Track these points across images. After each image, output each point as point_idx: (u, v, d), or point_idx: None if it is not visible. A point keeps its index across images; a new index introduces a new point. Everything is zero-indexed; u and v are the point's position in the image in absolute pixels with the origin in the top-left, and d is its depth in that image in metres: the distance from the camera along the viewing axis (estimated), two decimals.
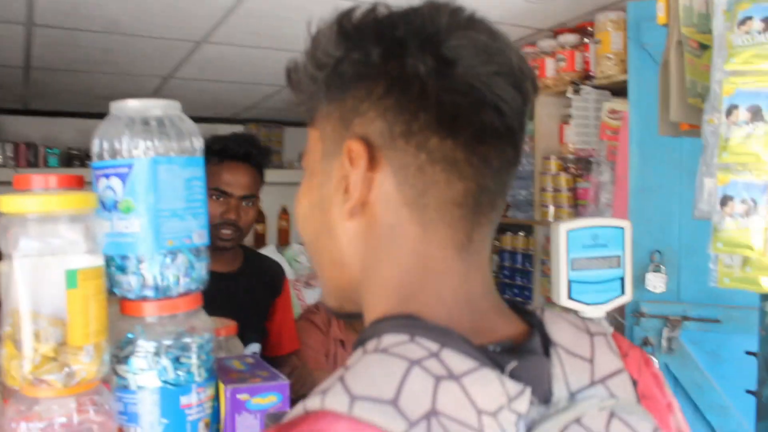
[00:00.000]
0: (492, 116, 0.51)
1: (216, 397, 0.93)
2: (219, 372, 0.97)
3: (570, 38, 2.62)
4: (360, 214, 0.54)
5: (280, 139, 4.91)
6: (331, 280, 0.59)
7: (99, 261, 0.82)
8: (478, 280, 0.54)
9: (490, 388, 0.45)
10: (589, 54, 2.58)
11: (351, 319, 0.55)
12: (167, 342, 0.88)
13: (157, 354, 0.87)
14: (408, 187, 0.52)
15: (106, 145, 0.86)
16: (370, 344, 0.49)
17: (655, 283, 1.95)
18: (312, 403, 0.46)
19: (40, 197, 0.79)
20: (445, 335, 0.48)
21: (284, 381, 0.94)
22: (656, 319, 2.00)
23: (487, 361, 0.47)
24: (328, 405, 0.44)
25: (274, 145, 4.86)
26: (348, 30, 0.54)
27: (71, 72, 3.06)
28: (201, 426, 0.89)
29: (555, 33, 2.76)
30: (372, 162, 0.53)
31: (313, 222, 0.58)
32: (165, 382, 0.87)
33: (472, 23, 0.53)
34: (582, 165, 2.63)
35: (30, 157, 3.81)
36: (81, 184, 0.95)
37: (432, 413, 0.43)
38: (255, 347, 1.80)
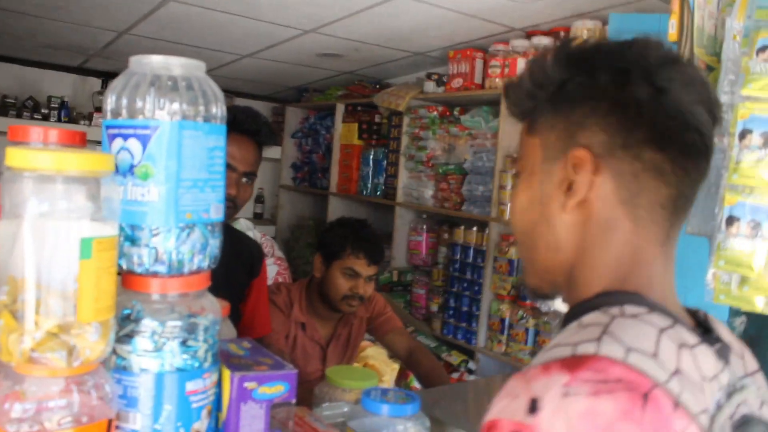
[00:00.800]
0: (694, 137, 0.63)
1: (218, 384, 0.87)
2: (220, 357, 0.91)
3: (544, 40, 2.64)
4: (579, 209, 0.65)
5: None
6: (543, 262, 0.70)
7: (115, 230, 0.75)
8: (672, 273, 0.66)
9: (709, 360, 0.58)
10: None
11: (542, 299, 0.73)
12: (175, 323, 0.81)
13: (163, 335, 0.80)
14: (624, 190, 0.63)
15: (125, 102, 0.78)
16: (613, 310, 0.60)
17: None
18: (585, 348, 0.55)
19: (54, 154, 0.71)
20: (674, 315, 0.60)
21: (292, 370, 0.89)
22: None
23: (705, 340, 0.60)
24: (605, 352, 0.54)
25: None
26: (573, 57, 0.66)
27: (16, 14, 2.83)
28: (204, 413, 0.83)
29: (528, 34, 2.78)
30: (594, 167, 0.63)
31: (532, 213, 0.69)
32: (171, 365, 0.80)
33: (677, 58, 0.65)
34: None
35: None
36: (84, 142, 0.86)
37: (678, 371, 0.55)
38: None
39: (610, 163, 0.63)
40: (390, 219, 3.63)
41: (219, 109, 0.84)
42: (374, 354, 2.50)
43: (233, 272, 1.73)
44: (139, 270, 0.80)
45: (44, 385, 0.72)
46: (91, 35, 3.08)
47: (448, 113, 3.26)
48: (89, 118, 3.68)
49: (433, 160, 3.29)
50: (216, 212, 0.84)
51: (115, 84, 0.80)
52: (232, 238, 1.77)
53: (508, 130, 2.76)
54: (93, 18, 2.80)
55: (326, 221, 3.84)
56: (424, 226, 3.43)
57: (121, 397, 0.80)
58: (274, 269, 3.39)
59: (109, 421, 0.76)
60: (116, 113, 0.79)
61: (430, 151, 3.31)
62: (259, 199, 5.00)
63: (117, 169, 0.79)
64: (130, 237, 0.79)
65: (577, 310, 0.65)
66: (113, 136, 0.79)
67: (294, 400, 0.89)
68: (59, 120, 3.59)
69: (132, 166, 0.78)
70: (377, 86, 3.87)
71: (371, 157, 3.92)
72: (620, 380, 0.52)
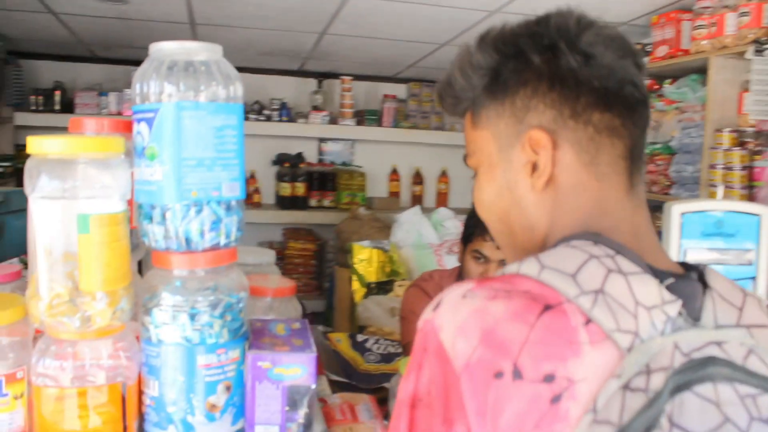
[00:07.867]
0: (631, 89, 0.65)
1: (243, 361, 0.88)
2: (254, 335, 0.92)
3: None
4: (547, 184, 0.67)
5: None
6: (522, 243, 0.71)
7: (117, 207, 0.80)
8: (643, 216, 0.67)
9: (649, 288, 0.56)
10: None
11: None
12: (192, 297, 0.84)
13: (179, 309, 0.84)
14: (584, 153, 0.66)
15: (138, 89, 0.83)
16: (559, 245, 0.62)
17: None
18: (510, 268, 0.60)
19: (61, 139, 0.78)
20: (622, 247, 0.60)
21: (312, 353, 0.87)
22: None
23: (650, 272, 0.58)
24: (522, 270, 0.58)
25: (435, 106, 4.76)
26: (498, 43, 0.68)
27: (232, 28, 3.19)
28: (220, 388, 0.85)
29: None
30: (553, 143, 0.65)
31: (502, 202, 0.71)
32: (183, 338, 0.83)
33: (592, 22, 0.66)
34: (762, 140, 2.21)
35: None
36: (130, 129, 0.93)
37: (599, 291, 0.55)
38: None
39: (565, 135, 0.66)
40: None
41: (233, 89, 0.85)
42: None
43: None
44: (155, 246, 0.84)
45: (63, 346, 0.80)
46: (296, 39, 3.35)
47: (656, 86, 2.90)
48: (306, 116, 4.01)
49: None
50: (230, 191, 0.85)
51: (137, 72, 0.85)
52: None
53: (718, 99, 2.36)
54: (292, 23, 3.04)
55: None
56: None
57: (145, 365, 0.85)
58: None
59: (124, 384, 0.82)
60: (134, 100, 0.84)
61: None
62: None
63: (136, 152, 0.84)
64: (147, 215, 0.84)
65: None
66: (134, 122, 0.85)
67: (314, 385, 0.87)
68: (280, 119, 3.96)
69: (143, 149, 0.83)
70: None
71: None
72: (527, 292, 0.56)
